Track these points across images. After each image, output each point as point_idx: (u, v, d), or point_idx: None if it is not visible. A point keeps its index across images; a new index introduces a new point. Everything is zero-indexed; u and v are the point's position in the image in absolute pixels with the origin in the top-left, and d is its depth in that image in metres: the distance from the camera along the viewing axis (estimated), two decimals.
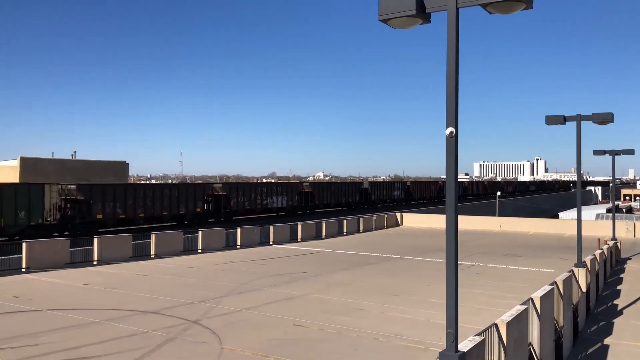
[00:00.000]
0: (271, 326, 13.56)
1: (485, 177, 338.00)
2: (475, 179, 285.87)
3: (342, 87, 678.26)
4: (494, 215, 64.82)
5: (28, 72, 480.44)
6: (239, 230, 32.25)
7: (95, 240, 24.82)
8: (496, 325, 9.11)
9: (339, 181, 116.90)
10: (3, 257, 22.15)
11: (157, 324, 13.47)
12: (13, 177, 43.20)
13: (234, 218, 50.19)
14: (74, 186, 37.79)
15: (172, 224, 43.89)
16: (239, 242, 31.68)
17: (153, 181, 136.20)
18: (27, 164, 45.17)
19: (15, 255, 22.31)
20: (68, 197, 37.09)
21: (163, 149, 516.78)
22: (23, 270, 21.57)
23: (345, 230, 40.77)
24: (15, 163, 45.04)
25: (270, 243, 33.39)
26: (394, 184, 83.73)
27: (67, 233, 35.47)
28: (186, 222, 45.23)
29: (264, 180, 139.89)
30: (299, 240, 35.37)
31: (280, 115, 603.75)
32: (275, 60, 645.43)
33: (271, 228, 34.22)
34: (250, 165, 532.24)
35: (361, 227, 42.94)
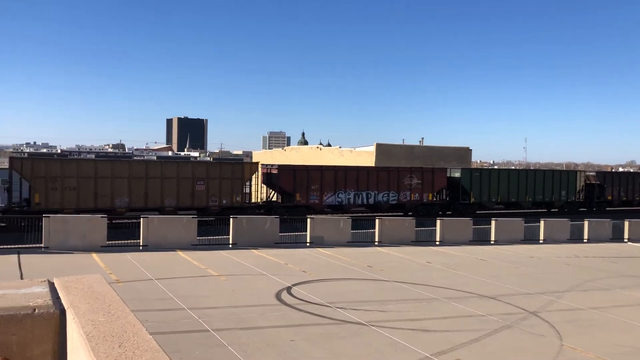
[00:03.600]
0: (619, 330, 12.19)
1: None
2: None
3: None
4: None
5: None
6: (585, 223, 29.68)
7: (438, 222, 26.23)
8: None
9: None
10: (362, 231, 25.37)
11: (494, 309, 13.54)
12: (370, 160, 48.73)
13: (607, 209, 46.96)
14: (593, 173, 50.02)
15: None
16: (585, 236, 29.18)
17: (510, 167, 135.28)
18: (382, 149, 50.34)
19: (370, 230, 25.28)
20: (587, 182, 47.01)
21: (506, 135, 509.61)
22: (376, 243, 24.31)
23: None
24: (372, 149, 50.72)
25: (625, 240, 29.74)
26: None
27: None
28: (556, 210, 45.47)
29: (620, 170, 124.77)
30: None
31: None
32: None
33: (626, 223, 30.45)
34: (602, 153, 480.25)
35: None
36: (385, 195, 38.33)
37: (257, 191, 34.86)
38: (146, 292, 13.50)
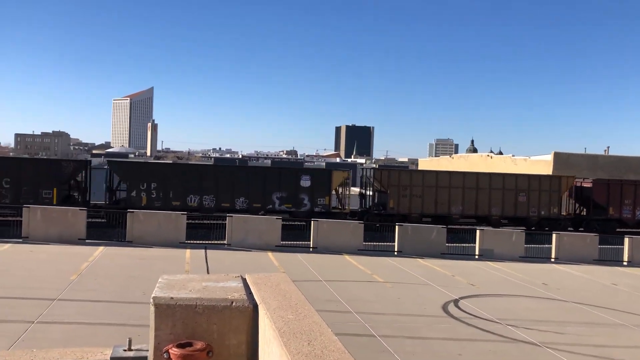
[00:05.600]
0: None
1: None
2: None
3: None
4: None
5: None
6: None
7: (626, 240, 23.68)
8: None
9: None
10: (536, 246, 23.83)
11: None
12: (546, 170, 45.62)
13: None
14: None
15: None
16: None
17: None
18: (560, 159, 46.82)
19: (546, 245, 23.64)
20: None
21: None
22: (552, 260, 22.65)
23: None
24: (549, 157, 47.41)
25: None
26: None
27: None
28: None
29: None
30: None
31: None
32: None
33: None
34: None
35: None
36: None
37: (566, 204, 35.46)
38: (316, 292, 14.09)
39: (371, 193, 32.93)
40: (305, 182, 30.03)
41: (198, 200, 28.85)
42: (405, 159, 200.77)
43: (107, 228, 23.45)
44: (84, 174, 28.93)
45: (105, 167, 31.44)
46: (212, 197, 29.04)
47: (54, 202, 26.33)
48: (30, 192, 26.81)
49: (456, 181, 32.50)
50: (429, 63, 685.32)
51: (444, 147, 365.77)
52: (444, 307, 13.50)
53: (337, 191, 31.20)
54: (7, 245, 18.02)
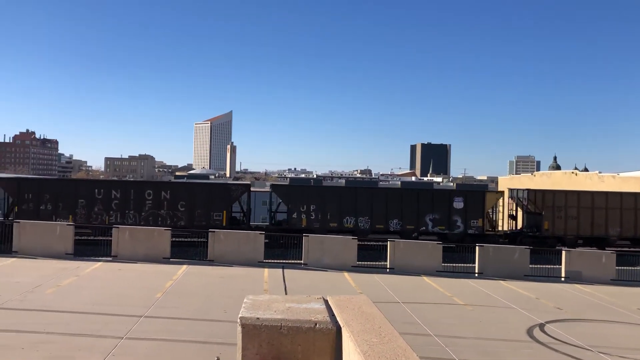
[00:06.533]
0: None
1: None
2: None
3: None
4: None
5: None
6: None
7: None
8: None
9: None
10: (630, 268, 22.40)
11: None
12: (638, 188, 42.94)
13: None
14: None
15: None
16: None
17: None
18: None
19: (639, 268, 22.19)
20: None
21: None
22: None
23: None
24: None
25: None
26: None
27: None
28: None
29: None
30: None
31: None
32: None
33: None
34: None
35: None
36: None
37: None
38: (393, 314, 13.90)
39: (520, 214, 32.51)
40: (458, 204, 30.00)
41: (353, 222, 29.45)
42: (484, 177, 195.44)
43: (189, 247, 24.36)
44: (246, 197, 30.14)
45: (267, 189, 32.97)
46: (367, 218, 29.60)
47: (224, 224, 27.74)
48: (202, 215, 28.28)
49: (613, 202, 31.77)
50: (506, 77, 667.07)
51: (525, 164, 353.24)
52: (529, 332, 12.93)
53: (487, 213, 30.83)
54: (98, 264, 19.08)
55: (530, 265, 21.71)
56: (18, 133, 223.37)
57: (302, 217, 29.12)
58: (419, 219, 29.61)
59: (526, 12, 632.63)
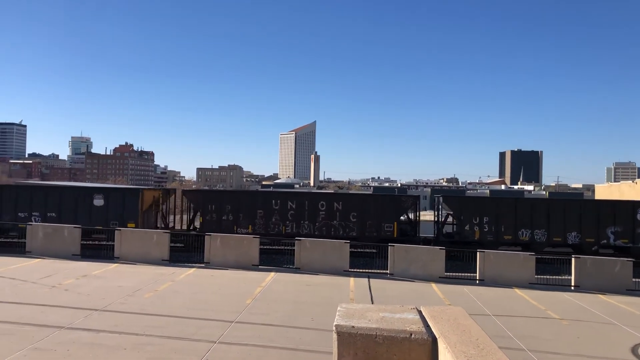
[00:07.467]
0: None
1: None
2: None
3: None
4: None
5: None
6: None
7: None
8: None
9: None
10: None
11: None
12: None
13: None
14: None
15: None
16: None
17: None
18: None
19: None
20: None
21: None
22: None
23: None
24: None
25: None
26: None
27: None
28: None
29: None
30: None
31: None
32: None
33: None
34: None
35: None
36: None
37: None
38: (484, 327, 13.40)
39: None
40: None
41: (529, 234, 29.03)
42: (579, 185, 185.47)
43: (277, 255, 24.91)
44: (414, 209, 30.27)
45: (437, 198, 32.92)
46: (544, 231, 29.00)
47: (394, 235, 28.35)
48: (374, 226, 28.92)
49: None
50: (602, 77, 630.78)
51: (625, 171, 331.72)
52: (634, 350, 12.09)
53: None
54: (192, 270, 19.93)
55: (634, 279, 20.32)
56: (118, 146, 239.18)
57: (474, 229, 28.71)
58: (600, 231, 28.49)
59: (616, 15, 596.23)
